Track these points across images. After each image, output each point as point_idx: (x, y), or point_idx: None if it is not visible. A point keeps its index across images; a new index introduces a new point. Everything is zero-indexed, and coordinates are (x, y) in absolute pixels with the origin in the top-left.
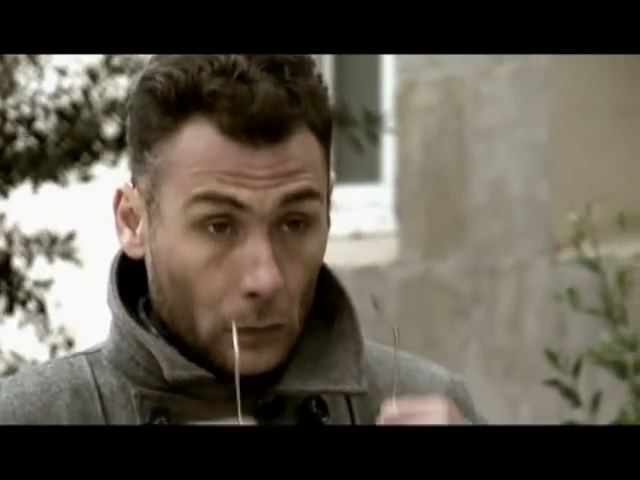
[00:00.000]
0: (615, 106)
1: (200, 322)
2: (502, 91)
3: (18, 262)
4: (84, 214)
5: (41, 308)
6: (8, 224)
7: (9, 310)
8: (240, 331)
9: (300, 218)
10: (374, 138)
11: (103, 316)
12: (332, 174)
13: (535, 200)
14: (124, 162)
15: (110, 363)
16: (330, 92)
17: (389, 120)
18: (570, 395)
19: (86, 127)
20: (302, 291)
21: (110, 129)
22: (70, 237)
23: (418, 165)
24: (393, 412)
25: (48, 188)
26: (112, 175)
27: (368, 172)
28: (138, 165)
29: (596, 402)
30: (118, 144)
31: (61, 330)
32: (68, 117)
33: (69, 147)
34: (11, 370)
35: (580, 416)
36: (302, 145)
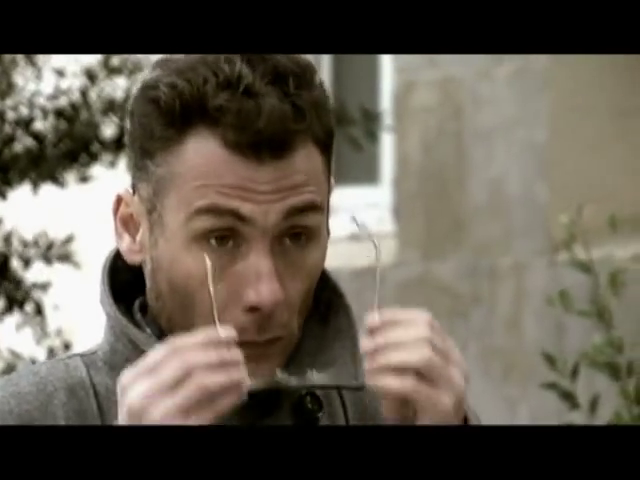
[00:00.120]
0: (614, 106)
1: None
2: (501, 92)
3: (16, 264)
4: (82, 215)
5: (39, 310)
6: (6, 226)
7: (7, 311)
8: (239, 344)
9: (302, 231)
10: (372, 136)
11: (101, 319)
12: (331, 180)
13: (534, 201)
14: (122, 163)
15: (105, 364)
16: (331, 99)
17: (387, 118)
18: (568, 397)
19: (84, 128)
20: (302, 301)
21: (108, 130)
22: (68, 240)
23: (417, 166)
24: (375, 321)
25: (47, 189)
26: (110, 176)
27: (367, 173)
28: (139, 172)
29: (594, 404)
30: (116, 145)
31: (58, 333)
32: (66, 118)
33: (67, 148)
34: (9, 368)
35: (578, 418)
36: (306, 159)
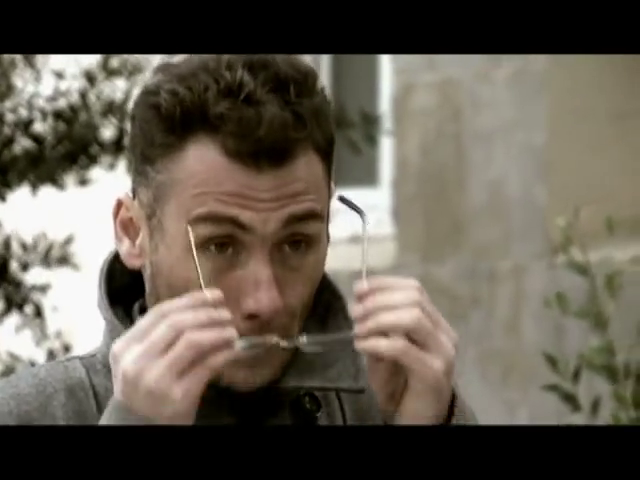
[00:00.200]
0: (612, 109)
1: None
2: (500, 94)
3: (15, 266)
4: (82, 217)
5: (38, 312)
6: (6, 228)
7: (6, 313)
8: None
9: (302, 238)
10: (372, 140)
11: (100, 321)
12: (332, 186)
13: (533, 203)
14: (122, 165)
15: (104, 367)
16: (331, 103)
17: (386, 121)
18: (570, 400)
19: (83, 130)
20: (302, 306)
21: (107, 132)
22: (67, 241)
23: (416, 168)
24: (363, 287)
25: (46, 191)
26: (110, 178)
27: (366, 175)
28: (139, 177)
29: (595, 406)
30: (116, 147)
31: (58, 335)
32: (65, 120)
33: (66, 150)
34: (8, 371)
35: (579, 420)
36: (306, 166)
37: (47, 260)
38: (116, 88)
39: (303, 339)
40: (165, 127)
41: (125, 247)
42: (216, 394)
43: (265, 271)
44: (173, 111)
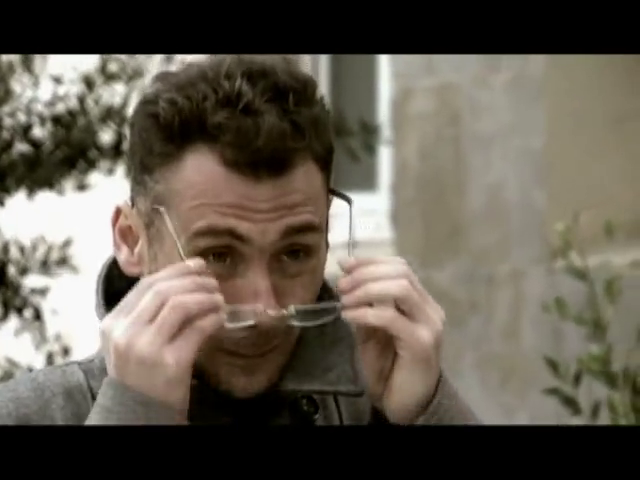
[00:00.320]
0: (611, 113)
1: None
2: (498, 98)
3: (14, 269)
4: (80, 222)
5: (37, 315)
6: (4, 233)
7: (4, 317)
8: (233, 354)
9: (300, 248)
10: (371, 149)
11: (98, 325)
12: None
13: (532, 207)
14: (120, 170)
15: (102, 372)
16: (330, 109)
17: (385, 130)
18: (570, 403)
19: (82, 134)
20: None
21: (106, 136)
22: (66, 243)
23: (414, 172)
24: (350, 261)
25: (44, 196)
26: (108, 183)
27: (364, 180)
28: (138, 186)
29: (596, 410)
30: (114, 152)
31: (57, 338)
32: (64, 124)
33: (65, 155)
34: (7, 376)
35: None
36: (304, 177)
37: (46, 264)
38: (115, 93)
39: (291, 309)
40: (164, 136)
41: (124, 255)
42: (215, 396)
43: (264, 282)
44: (172, 120)
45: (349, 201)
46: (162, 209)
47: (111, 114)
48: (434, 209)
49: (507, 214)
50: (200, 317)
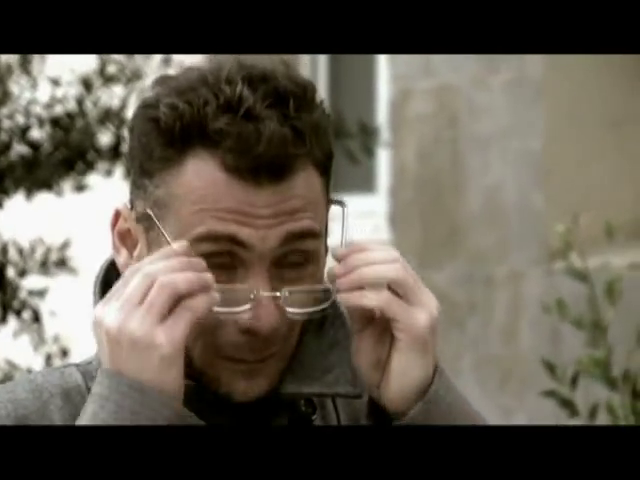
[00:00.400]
0: (609, 115)
1: (194, 348)
2: (497, 100)
3: (12, 271)
4: (79, 223)
5: (36, 317)
6: (3, 234)
7: (3, 319)
8: (233, 360)
9: (300, 254)
10: (369, 151)
11: None
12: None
13: (530, 209)
14: (118, 172)
15: None
16: (330, 113)
17: (384, 133)
18: (568, 405)
19: (80, 136)
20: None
21: (104, 138)
22: (65, 245)
23: (413, 174)
24: (342, 250)
25: (43, 197)
26: (107, 185)
27: (363, 181)
28: (137, 190)
29: (594, 412)
30: (112, 153)
31: (56, 339)
32: (62, 126)
33: (63, 156)
34: (6, 378)
35: None
36: (305, 182)
37: (44, 266)
38: (113, 95)
39: (285, 292)
40: (164, 141)
41: (123, 258)
42: (214, 399)
43: (264, 288)
44: (172, 125)
45: (342, 204)
46: (153, 214)
47: (109, 116)
48: (433, 211)
49: (506, 215)
50: (191, 296)
